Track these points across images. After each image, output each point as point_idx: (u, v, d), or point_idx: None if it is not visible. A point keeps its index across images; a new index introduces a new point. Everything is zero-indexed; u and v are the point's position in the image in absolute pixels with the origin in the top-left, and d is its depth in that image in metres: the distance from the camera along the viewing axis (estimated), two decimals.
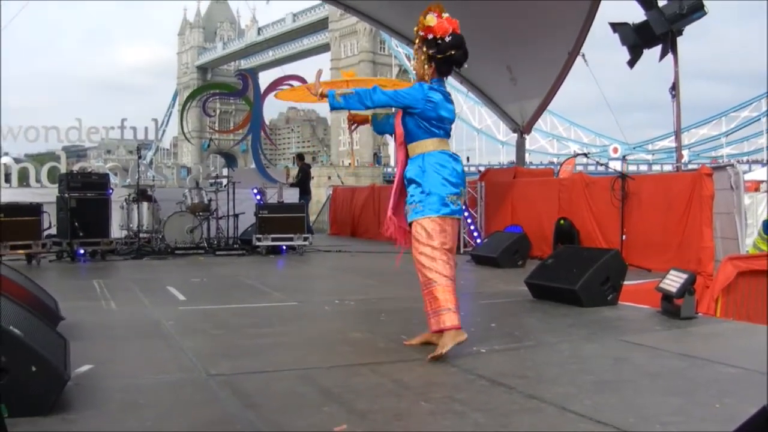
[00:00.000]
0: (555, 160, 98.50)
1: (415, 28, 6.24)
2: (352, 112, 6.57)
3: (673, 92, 15.99)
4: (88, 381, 4.94)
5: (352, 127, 7.00)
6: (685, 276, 7.87)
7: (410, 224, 6.21)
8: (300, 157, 23.18)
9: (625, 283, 9.07)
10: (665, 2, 15.41)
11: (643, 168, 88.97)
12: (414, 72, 6.53)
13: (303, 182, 20.43)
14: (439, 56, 6.16)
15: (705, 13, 15.27)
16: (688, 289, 7.72)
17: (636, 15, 15.79)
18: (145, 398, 4.63)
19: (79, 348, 5.48)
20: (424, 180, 6.07)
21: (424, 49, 6.21)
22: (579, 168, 34.65)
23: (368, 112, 6.50)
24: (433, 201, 6.05)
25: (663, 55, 15.65)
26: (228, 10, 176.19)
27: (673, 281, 7.93)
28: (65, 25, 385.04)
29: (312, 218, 22.94)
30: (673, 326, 7.48)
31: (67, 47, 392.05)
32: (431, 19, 6.13)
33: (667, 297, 8.01)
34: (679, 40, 15.59)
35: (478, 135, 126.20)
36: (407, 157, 6.33)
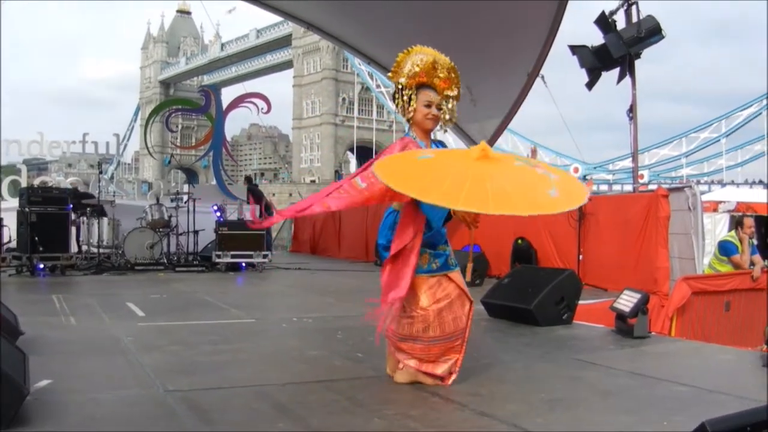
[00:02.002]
0: None
1: (453, 75, 5.81)
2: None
3: (631, 114, 16.20)
4: (48, 396, 4.96)
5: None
6: (638, 296, 7.99)
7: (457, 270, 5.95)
8: (246, 179, 23.35)
9: (581, 302, 9.19)
10: (623, 26, 15.61)
11: (604, 188, 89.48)
12: (447, 118, 5.80)
13: (257, 200, 20.58)
14: None
15: (663, 37, 15.50)
16: (641, 308, 7.84)
17: (595, 38, 16.00)
18: (104, 413, 4.67)
19: (38, 363, 5.49)
20: None
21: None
22: None
23: None
24: None
25: (621, 77, 15.86)
26: (192, 25, 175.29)
27: (627, 301, 8.05)
28: (26, 37, 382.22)
29: (272, 235, 22.99)
30: (626, 345, 7.59)
31: (29, 59, 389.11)
32: None
33: (620, 316, 8.12)
34: (642, 61, 15.82)
35: None
36: None
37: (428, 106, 5.71)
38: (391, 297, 5.39)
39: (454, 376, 5.68)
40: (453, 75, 5.78)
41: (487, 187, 4.88)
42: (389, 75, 5.89)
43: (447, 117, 5.76)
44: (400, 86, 5.72)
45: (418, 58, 5.75)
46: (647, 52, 15.86)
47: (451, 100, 5.76)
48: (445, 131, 6.12)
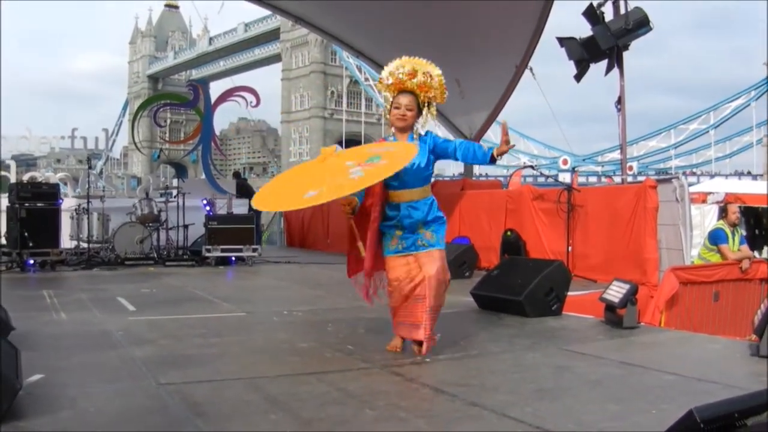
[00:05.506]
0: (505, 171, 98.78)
1: (426, 80, 6.37)
2: (347, 198, 6.23)
3: (619, 106, 16.21)
4: (40, 390, 4.98)
5: (351, 216, 6.42)
6: (627, 287, 8.01)
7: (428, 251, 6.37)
8: (235, 174, 23.29)
9: (570, 293, 9.19)
10: (611, 18, 15.62)
11: (593, 179, 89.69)
12: (419, 119, 6.53)
13: (246, 195, 20.59)
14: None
15: (650, 29, 15.48)
16: (630, 299, 7.86)
17: (583, 30, 15.99)
18: (97, 407, 4.68)
19: (29, 358, 5.48)
20: (441, 217, 6.46)
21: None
22: (529, 180, 34.93)
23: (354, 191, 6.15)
24: (444, 235, 6.48)
25: (609, 69, 15.85)
26: (180, 19, 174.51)
27: (616, 292, 8.07)
28: (13, 31, 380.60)
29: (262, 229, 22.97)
30: (615, 335, 7.63)
31: (15, 53, 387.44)
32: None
33: (610, 307, 8.14)
34: (631, 53, 15.83)
35: None
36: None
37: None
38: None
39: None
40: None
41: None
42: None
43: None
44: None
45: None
46: (635, 44, 15.88)
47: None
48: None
